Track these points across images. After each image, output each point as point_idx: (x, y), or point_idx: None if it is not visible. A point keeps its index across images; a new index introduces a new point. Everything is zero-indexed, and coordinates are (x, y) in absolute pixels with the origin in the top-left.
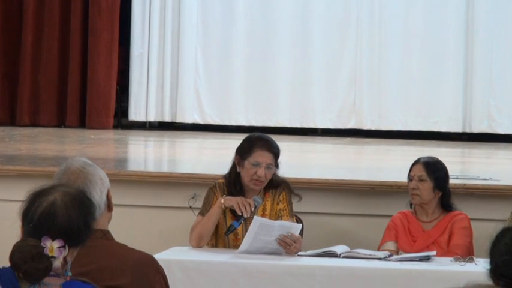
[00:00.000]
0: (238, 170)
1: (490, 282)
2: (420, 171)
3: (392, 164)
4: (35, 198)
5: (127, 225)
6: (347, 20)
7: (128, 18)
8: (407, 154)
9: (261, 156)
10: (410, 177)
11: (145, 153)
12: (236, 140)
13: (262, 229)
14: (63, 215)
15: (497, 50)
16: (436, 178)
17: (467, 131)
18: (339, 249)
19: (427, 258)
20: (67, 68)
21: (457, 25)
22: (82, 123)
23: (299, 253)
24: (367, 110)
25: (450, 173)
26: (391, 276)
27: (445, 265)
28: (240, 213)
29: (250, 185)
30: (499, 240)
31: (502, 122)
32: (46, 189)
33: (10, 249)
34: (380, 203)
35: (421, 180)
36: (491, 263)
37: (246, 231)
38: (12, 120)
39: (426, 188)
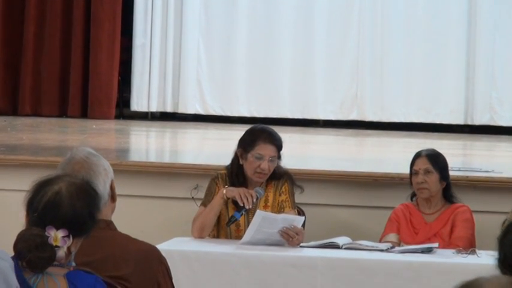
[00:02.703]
0: (240, 162)
1: (497, 273)
2: (425, 164)
3: (394, 155)
4: (40, 187)
5: (129, 216)
6: (349, 11)
7: (130, 9)
8: (409, 146)
9: (264, 149)
10: (414, 171)
11: (147, 144)
12: (238, 130)
13: (265, 222)
14: (68, 205)
15: (500, 42)
16: (441, 169)
17: (469, 123)
18: (341, 240)
19: (429, 250)
20: (69, 58)
21: (460, 17)
22: (84, 113)
23: (301, 244)
24: (369, 101)
25: (452, 165)
26: (393, 267)
27: (447, 257)
28: (242, 204)
29: (254, 177)
30: (509, 230)
31: (503, 115)
32: (51, 179)
33: (13, 238)
34: (382, 195)
35: (427, 172)
36: (500, 253)
37: (248, 223)
38: (14, 110)
39: (434, 180)
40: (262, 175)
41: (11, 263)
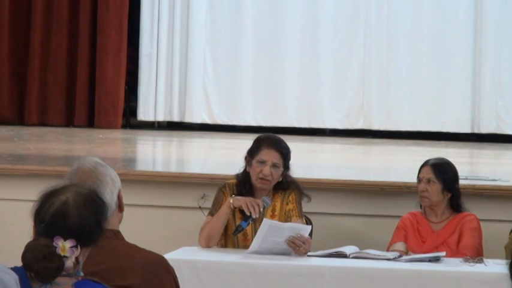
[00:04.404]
0: (247, 169)
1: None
2: (428, 173)
3: (401, 164)
4: (47, 198)
5: (136, 225)
6: (356, 20)
7: (137, 18)
8: (415, 155)
9: (267, 154)
10: (418, 179)
11: (154, 153)
12: (244, 140)
13: (271, 231)
14: (75, 215)
15: (506, 50)
16: (445, 180)
17: (476, 131)
18: (348, 249)
19: (436, 259)
20: (76, 68)
21: (466, 25)
22: (90, 122)
23: (308, 253)
24: (376, 110)
25: (459, 173)
26: (400, 276)
27: (454, 266)
28: (249, 214)
29: (257, 184)
30: None
31: (510, 123)
32: (58, 189)
33: (21, 248)
34: (389, 204)
35: (429, 182)
36: None
37: (255, 231)
38: (20, 119)
39: (435, 190)
40: (264, 181)
41: (15, 277)
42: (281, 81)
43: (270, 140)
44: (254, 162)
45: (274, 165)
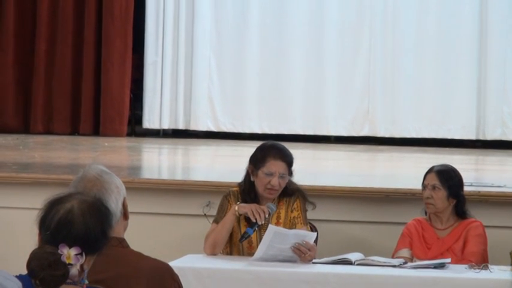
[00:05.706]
0: (252, 179)
1: None
2: (433, 180)
3: (406, 171)
4: (52, 205)
5: (141, 233)
6: (360, 28)
7: (142, 26)
8: (421, 161)
9: (274, 166)
10: (423, 186)
11: (159, 161)
12: (250, 147)
13: (276, 237)
14: (80, 223)
15: (511, 57)
16: (450, 186)
17: (481, 138)
18: (353, 256)
19: (441, 266)
20: (81, 76)
21: (471, 32)
22: (96, 131)
23: (313, 260)
24: (381, 117)
25: (464, 180)
26: (405, 283)
27: (459, 272)
28: (254, 220)
29: (264, 194)
30: None
31: None
32: (63, 197)
33: (26, 256)
34: (394, 211)
35: (434, 189)
36: None
37: (261, 239)
38: (26, 128)
39: (440, 197)
40: (272, 191)
41: (19, 284)
42: (286, 88)
43: (274, 150)
44: (260, 173)
45: (281, 176)
